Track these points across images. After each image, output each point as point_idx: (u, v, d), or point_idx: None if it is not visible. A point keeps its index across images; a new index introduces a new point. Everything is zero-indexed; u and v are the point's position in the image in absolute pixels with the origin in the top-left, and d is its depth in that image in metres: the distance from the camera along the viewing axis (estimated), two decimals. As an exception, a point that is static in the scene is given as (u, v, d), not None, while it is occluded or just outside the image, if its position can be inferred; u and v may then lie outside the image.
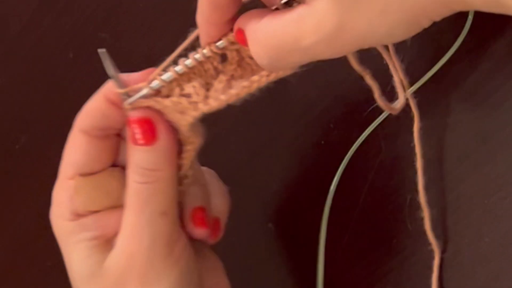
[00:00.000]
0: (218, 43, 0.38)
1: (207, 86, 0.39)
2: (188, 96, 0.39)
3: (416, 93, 0.42)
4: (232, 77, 0.39)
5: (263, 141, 0.49)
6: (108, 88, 0.40)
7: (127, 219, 0.39)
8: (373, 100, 0.40)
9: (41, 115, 0.58)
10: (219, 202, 0.44)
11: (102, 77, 0.56)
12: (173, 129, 0.40)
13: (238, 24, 0.36)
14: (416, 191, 0.43)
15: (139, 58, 0.53)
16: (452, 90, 0.41)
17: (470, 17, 0.40)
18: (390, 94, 0.43)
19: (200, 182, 0.43)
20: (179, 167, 0.41)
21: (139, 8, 0.53)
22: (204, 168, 0.44)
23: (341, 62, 0.39)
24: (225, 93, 0.38)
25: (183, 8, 0.51)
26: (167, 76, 0.39)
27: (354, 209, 0.45)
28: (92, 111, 0.40)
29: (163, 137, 0.39)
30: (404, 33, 0.33)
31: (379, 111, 0.43)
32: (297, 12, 0.33)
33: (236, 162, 0.50)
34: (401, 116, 0.43)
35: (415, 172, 0.43)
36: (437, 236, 0.42)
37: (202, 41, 0.38)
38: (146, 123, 0.39)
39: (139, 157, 0.39)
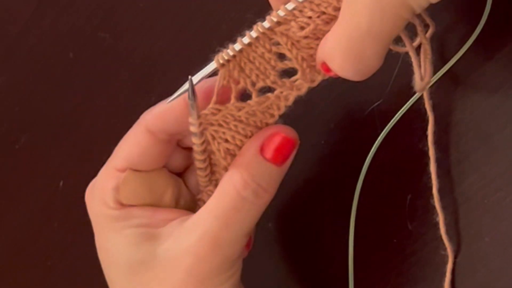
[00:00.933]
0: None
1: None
2: (265, 90, 0.38)
3: (414, 92, 0.42)
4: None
5: (263, 141, 0.49)
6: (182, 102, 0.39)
7: (206, 224, 0.38)
8: (373, 100, 0.40)
9: (41, 115, 0.58)
10: None
11: (102, 77, 0.56)
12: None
13: (320, 58, 0.36)
14: (416, 191, 0.43)
15: (139, 58, 0.53)
16: (452, 90, 0.41)
17: (478, 30, 0.40)
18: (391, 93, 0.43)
19: None
20: None
21: (139, 8, 0.53)
22: None
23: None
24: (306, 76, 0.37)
25: (183, 8, 0.51)
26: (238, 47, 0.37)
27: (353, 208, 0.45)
28: (167, 115, 0.39)
29: (290, 160, 0.39)
30: None
31: (380, 111, 0.43)
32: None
33: (236, 162, 0.50)
34: (402, 116, 0.43)
35: (415, 172, 0.43)
36: (437, 236, 0.42)
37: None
38: (289, 143, 0.38)
39: (262, 173, 0.38)
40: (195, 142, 0.39)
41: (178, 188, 0.42)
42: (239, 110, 0.38)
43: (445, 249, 0.41)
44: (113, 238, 0.40)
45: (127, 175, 0.40)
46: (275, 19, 0.36)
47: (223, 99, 0.38)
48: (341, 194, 0.46)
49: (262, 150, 0.38)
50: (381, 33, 0.32)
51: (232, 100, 0.38)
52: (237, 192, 0.38)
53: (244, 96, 0.39)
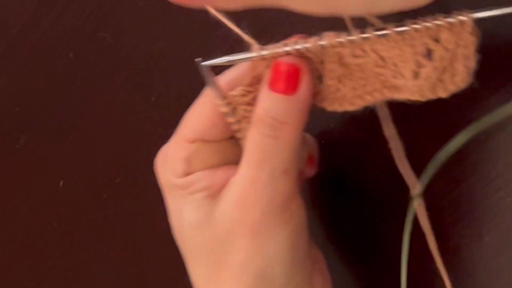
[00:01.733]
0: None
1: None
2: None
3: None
4: (338, 78, 0.38)
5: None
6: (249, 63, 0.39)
7: (244, 171, 0.38)
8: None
9: (41, 115, 0.58)
10: (310, 140, 0.44)
11: (102, 77, 0.56)
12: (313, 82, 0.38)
13: None
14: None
15: (139, 58, 0.53)
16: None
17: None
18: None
19: None
20: None
21: (139, 8, 0.53)
22: None
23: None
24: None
25: (183, 8, 0.51)
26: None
27: (354, 209, 0.45)
28: (233, 86, 0.39)
29: (304, 89, 0.38)
30: None
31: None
32: None
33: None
34: (401, 116, 0.43)
35: (415, 172, 0.43)
36: (437, 236, 0.42)
37: None
38: (293, 70, 0.38)
39: (273, 105, 0.38)
40: (229, 120, 0.39)
41: None
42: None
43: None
44: (181, 203, 0.40)
45: (198, 146, 0.40)
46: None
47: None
48: (341, 194, 0.46)
49: (270, 84, 0.38)
50: None
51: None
52: (257, 131, 0.38)
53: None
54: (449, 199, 0.42)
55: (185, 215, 0.40)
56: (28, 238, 0.59)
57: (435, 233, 0.42)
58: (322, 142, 0.46)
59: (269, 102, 0.38)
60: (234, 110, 0.39)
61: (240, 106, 0.39)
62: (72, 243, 0.57)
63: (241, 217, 0.38)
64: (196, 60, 0.38)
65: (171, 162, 0.41)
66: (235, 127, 0.40)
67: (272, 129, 0.38)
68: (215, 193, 0.39)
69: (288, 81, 0.38)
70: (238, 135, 0.40)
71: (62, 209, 0.57)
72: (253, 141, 0.38)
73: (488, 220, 0.41)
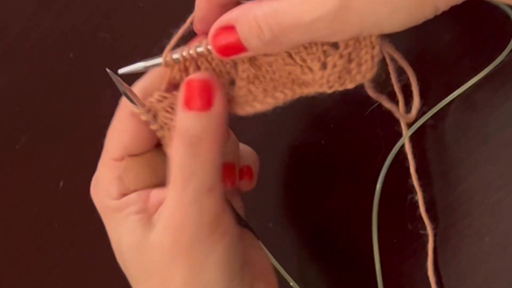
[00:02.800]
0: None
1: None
2: None
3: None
4: (249, 79, 0.38)
5: (263, 141, 0.49)
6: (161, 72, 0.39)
7: (171, 194, 0.38)
8: (373, 100, 0.40)
9: (41, 115, 0.58)
10: (249, 152, 0.44)
11: (102, 77, 0.56)
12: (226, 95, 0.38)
13: (228, 15, 0.36)
14: (416, 191, 0.43)
15: (139, 58, 0.53)
16: (452, 90, 0.41)
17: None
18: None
19: (231, 138, 0.42)
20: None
21: (139, 8, 0.53)
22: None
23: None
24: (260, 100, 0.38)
25: (183, 8, 0.51)
26: (179, 54, 0.38)
27: (354, 209, 0.45)
28: (149, 91, 0.40)
29: (218, 103, 0.38)
30: (405, 18, 0.33)
31: (379, 111, 0.43)
32: None
33: (236, 162, 0.50)
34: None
35: (415, 172, 0.43)
36: (437, 236, 0.42)
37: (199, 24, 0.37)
38: (205, 86, 0.38)
39: (189, 124, 0.37)
40: (152, 128, 0.39)
41: None
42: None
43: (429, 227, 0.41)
44: (118, 228, 0.40)
45: (128, 162, 0.40)
46: None
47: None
48: (341, 194, 0.46)
49: (185, 103, 0.38)
50: (315, 28, 0.34)
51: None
52: (177, 151, 0.38)
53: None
54: (449, 199, 0.42)
55: (122, 239, 0.40)
56: (28, 238, 0.59)
57: (435, 233, 0.42)
58: (322, 142, 0.46)
59: (185, 121, 0.38)
60: (155, 117, 0.39)
61: (160, 112, 0.39)
62: (72, 243, 0.57)
63: (173, 241, 0.38)
64: (108, 69, 0.38)
65: (103, 185, 0.41)
66: (159, 134, 0.39)
67: (191, 147, 0.37)
68: (149, 216, 0.39)
69: (202, 98, 0.38)
70: (163, 141, 0.40)
71: (62, 209, 0.57)
72: (175, 162, 0.38)
73: (488, 220, 0.41)
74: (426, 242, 0.42)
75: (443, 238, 0.42)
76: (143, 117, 0.39)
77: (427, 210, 0.42)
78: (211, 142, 0.38)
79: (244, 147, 0.44)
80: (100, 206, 0.41)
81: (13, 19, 0.59)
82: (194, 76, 0.38)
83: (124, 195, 0.40)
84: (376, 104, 0.43)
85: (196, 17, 0.37)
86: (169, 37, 0.51)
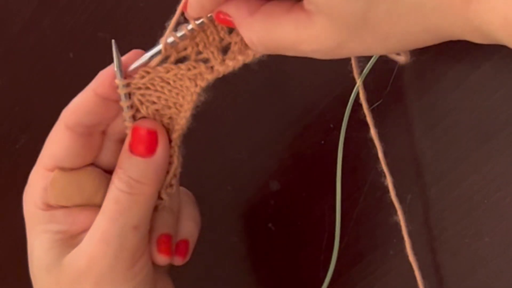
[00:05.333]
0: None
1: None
2: (204, 61, 0.39)
3: (414, 93, 0.42)
4: (243, 43, 0.38)
5: (263, 141, 0.49)
6: (99, 83, 0.40)
7: (98, 223, 0.39)
8: (372, 100, 0.40)
9: (41, 115, 0.58)
10: (190, 225, 0.44)
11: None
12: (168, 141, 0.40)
13: (225, 9, 0.36)
14: (416, 191, 0.43)
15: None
16: (452, 90, 0.41)
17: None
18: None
19: (173, 207, 0.43)
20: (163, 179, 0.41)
21: (139, 8, 0.53)
22: (182, 189, 0.44)
23: (342, 62, 0.39)
24: (242, 53, 0.38)
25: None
26: (180, 33, 0.39)
27: (354, 209, 0.45)
28: (79, 108, 0.40)
29: (161, 152, 0.40)
30: (400, 50, 0.34)
31: (379, 111, 0.43)
32: (296, 19, 0.34)
33: (236, 162, 0.50)
34: (401, 115, 0.43)
35: (415, 172, 0.43)
36: (437, 236, 0.42)
37: (194, 11, 0.38)
38: (150, 134, 0.40)
39: (131, 167, 0.40)
40: (123, 105, 0.40)
41: None
42: (168, 71, 0.39)
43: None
44: (34, 239, 0.41)
45: (55, 175, 0.40)
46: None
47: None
48: (341, 194, 0.46)
49: (130, 145, 0.40)
50: (310, 54, 0.35)
51: (167, 64, 0.39)
52: (115, 187, 0.39)
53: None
54: (449, 199, 0.42)
55: (36, 254, 0.41)
56: (28, 238, 0.59)
57: (435, 233, 0.42)
58: (322, 142, 0.46)
59: (127, 163, 0.40)
60: (129, 95, 0.40)
61: (137, 92, 0.40)
62: (72, 243, 0.57)
63: (88, 268, 0.39)
64: (113, 40, 0.39)
65: (31, 191, 0.41)
66: (126, 113, 0.40)
67: (128, 186, 0.39)
68: (70, 238, 0.40)
69: (146, 145, 0.40)
70: (126, 124, 0.41)
71: (62, 209, 0.57)
72: (110, 195, 0.39)
73: (488, 220, 0.41)
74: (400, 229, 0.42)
75: (443, 238, 0.42)
76: (120, 90, 0.39)
77: (427, 209, 0.42)
78: (147, 185, 0.40)
79: (188, 213, 0.44)
80: (26, 212, 0.42)
81: (13, 19, 0.59)
82: (141, 123, 0.40)
83: (49, 206, 0.41)
84: (376, 104, 0.43)
85: (192, 3, 0.38)
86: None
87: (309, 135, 0.47)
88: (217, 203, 0.51)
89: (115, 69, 0.40)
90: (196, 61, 0.39)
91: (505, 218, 0.40)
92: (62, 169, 0.40)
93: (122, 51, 0.54)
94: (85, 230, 0.40)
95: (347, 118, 0.43)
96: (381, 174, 0.43)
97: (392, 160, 0.43)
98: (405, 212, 0.42)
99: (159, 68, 0.39)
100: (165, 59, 0.39)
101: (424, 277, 0.42)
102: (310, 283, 0.47)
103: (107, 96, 0.40)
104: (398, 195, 0.42)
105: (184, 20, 0.39)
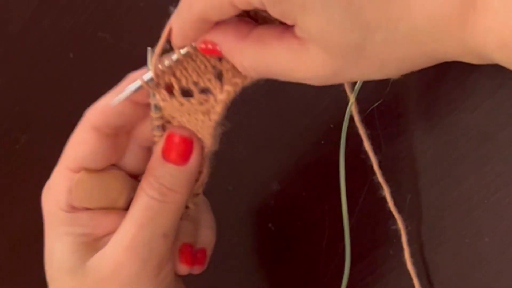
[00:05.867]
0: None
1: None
2: (207, 91, 0.38)
3: (415, 92, 0.42)
4: (235, 68, 0.38)
5: (263, 141, 0.49)
6: (130, 85, 0.39)
7: (127, 229, 0.39)
8: (373, 100, 0.40)
9: (41, 115, 0.58)
10: (207, 234, 0.44)
11: (101, 77, 0.56)
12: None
13: (211, 37, 0.36)
14: (416, 191, 0.43)
15: (139, 58, 0.53)
16: (452, 90, 0.41)
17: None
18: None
19: (194, 216, 0.43)
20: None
21: (139, 8, 0.53)
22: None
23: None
24: (237, 76, 0.37)
25: (183, 8, 0.51)
26: (166, 62, 0.38)
27: (354, 209, 0.45)
28: (108, 109, 0.40)
29: (194, 160, 0.39)
30: (398, 75, 0.34)
31: (379, 111, 0.43)
32: (289, 47, 0.33)
33: (236, 161, 0.50)
34: (401, 115, 0.43)
35: (415, 172, 0.43)
36: (437, 236, 0.42)
37: (177, 40, 0.37)
38: (186, 143, 0.39)
39: (164, 174, 0.39)
40: (153, 115, 0.39)
41: (136, 191, 0.42)
42: (182, 105, 0.39)
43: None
44: (55, 241, 0.40)
45: (80, 177, 0.40)
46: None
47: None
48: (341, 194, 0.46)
49: (163, 152, 0.39)
50: (304, 81, 0.35)
51: (177, 97, 0.39)
52: (145, 193, 0.39)
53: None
54: (449, 199, 0.42)
55: (57, 256, 0.40)
56: (28, 238, 0.59)
57: (435, 233, 0.42)
58: (322, 142, 0.46)
59: (160, 169, 0.39)
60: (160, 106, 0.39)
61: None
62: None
63: (114, 273, 0.39)
64: (149, 48, 0.39)
65: (53, 192, 0.41)
66: (155, 123, 0.40)
67: (159, 194, 0.39)
68: (93, 241, 0.40)
69: (181, 153, 0.39)
70: (154, 133, 0.40)
71: (62, 209, 0.57)
72: (140, 201, 0.39)
73: (488, 220, 0.41)
74: (400, 236, 0.42)
75: (443, 238, 0.42)
76: (152, 99, 0.39)
77: (427, 210, 0.42)
78: (179, 194, 0.39)
79: (206, 221, 0.44)
80: (47, 213, 0.41)
81: (13, 19, 0.59)
82: (177, 130, 0.39)
83: (73, 208, 0.40)
84: (376, 104, 0.43)
85: (175, 32, 0.37)
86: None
87: (309, 135, 0.47)
88: (217, 203, 0.51)
89: (147, 77, 0.39)
90: (201, 92, 0.38)
91: (505, 218, 0.40)
92: (88, 170, 0.40)
93: (122, 51, 0.54)
94: (108, 234, 0.40)
95: (347, 121, 0.43)
96: (381, 174, 0.43)
97: (392, 160, 0.43)
98: (405, 212, 0.42)
99: (174, 100, 0.39)
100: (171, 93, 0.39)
101: (424, 277, 0.42)
102: (310, 283, 0.47)
103: (137, 100, 0.39)
104: (398, 195, 0.42)
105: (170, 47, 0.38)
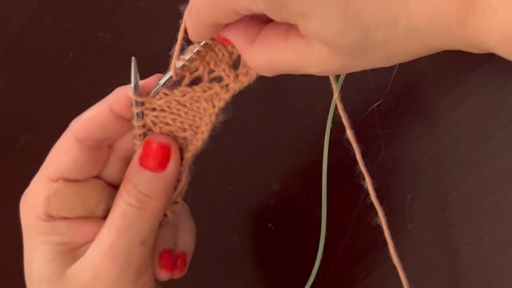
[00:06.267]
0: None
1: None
2: (217, 80, 0.39)
3: (415, 92, 0.42)
4: None
5: (263, 141, 0.49)
6: (116, 100, 0.39)
7: (105, 236, 0.39)
8: (373, 100, 0.40)
9: (41, 115, 0.58)
10: (187, 238, 0.44)
11: (101, 77, 0.56)
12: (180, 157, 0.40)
13: (225, 35, 0.36)
14: (416, 191, 0.43)
15: (139, 58, 0.53)
16: (452, 90, 0.41)
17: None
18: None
19: (173, 222, 0.43)
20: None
21: (139, 8, 0.53)
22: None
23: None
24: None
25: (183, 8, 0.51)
26: (188, 56, 0.38)
27: (354, 209, 0.45)
28: (93, 122, 0.40)
29: (172, 167, 0.40)
30: (404, 61, 0.34)
31: (379, 111, 0.43)
32: (295, 46, 0.34)
33: (236, 161, 0.50)
34: (401, 115, 0.43)
35: (415, 172, 0.43)
36: (437, 236, 0.42)
37: (193, 38, 0.38)
38: (163, 149, 0.39)
39: (141, 180, 0.39)
40: (135, 123, 0.40)
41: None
42: (184, 95, 0.39)
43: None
44: (34, 250, 0.40)
45: (59, 186, 0.40)
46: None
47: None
48: (341, 194, 0.46)
49: (140, 159, 0.39)
50: (315, 74, 0.35)
51: (182, 87, 0.39)
52: (123, 200, 0.39)
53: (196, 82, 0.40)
54: (449, 199, 0.42)
55: (36, 265, 0.40)
56: (28, 238, 0.59)
57: (435, 233, 0.42)
58: (322, 142, 0.46)
59: (137, 176, 0.39)
60: (142, 114, 0.39)
61: (150, 113, 0.39)
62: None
63: (93, 281, 0.39)
64: (133, 58, 0.39)
65: (31, 201, 0.41)
66: (137, 131, 0.40)
67: (137, 201, 0.39)
68: (72, 250, 0.40)
69: (158, 160, 0.39)
70: (136, 142, 0.40)
71: (62, 209, 0.57)
72: (118, 208, 0.39)
73: (488, 220, 0.41)
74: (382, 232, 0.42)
75: (443, 238, 0.42)
76: (134, 108, 0.39)
77: (427, 210, 0.42)
78: (157, 200, 0.39)
79: (185, 226, 0.44)
80: (25, 222, 0.41)
81: (13, 19, 0.59)
82: (155, 137, 0.40)
83: (50, 217, 0.40)
84: (376, 104, 0.43)
85: (190, 33, 0.38)
86: (168, 38, 0.51)
87: (309, 135, 0.47)
88: (217, 203, 0.51)
89: (131, 86, 0.39)
90: (210, 81, 0.39)
91: (505, 218, 0.40)
92: (66, 180, 0.40)
93: (122, 51, 0.54)
94: (87, 243, 0.40)
95: (332, 113, 0.43)
96: (382, 176, 0.43)
97: (393, 160, 0.43)
98: (405, 212, 0.42)
99: (176, 91, 0.39)
100: (178, 82, 0.39)
101: (424, 277, 0.42)
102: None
103: (123, 114, 0.39)
104: (398, 195, 0.42)
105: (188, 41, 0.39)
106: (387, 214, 0.44)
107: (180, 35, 0.38)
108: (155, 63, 0.53)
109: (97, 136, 0.40)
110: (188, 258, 0.43)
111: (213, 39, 0.38)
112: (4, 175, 0.61)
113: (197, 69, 0.39)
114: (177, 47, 0.38)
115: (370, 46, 0.32)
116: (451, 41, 0.31)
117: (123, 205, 0.39)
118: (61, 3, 0.56)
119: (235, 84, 0.38)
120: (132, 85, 0.39)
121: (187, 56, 0.38)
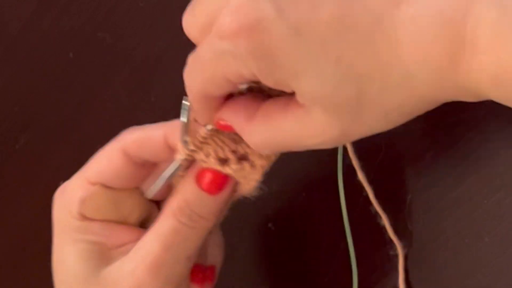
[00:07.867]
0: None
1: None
2: (245, 158, 0.39)
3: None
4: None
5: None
6: (172, 133, 0.39)
7: (151, 249, 0.39)
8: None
9: (41, 115, 0.58)
10: (216, 252, 0.44)
11: (101, 77, 0.56)
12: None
13: (222, 117, 0.36)
14: (416, 191, 0.43)
15: (139, 58, 0.53)
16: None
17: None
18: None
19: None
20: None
21: (139, 8, 0.53)
22: None
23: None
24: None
25: (183, 8, 0.51)
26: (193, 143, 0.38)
27: (354, 209, 0.45)
28: (145, 143, 0.40)
29: (226, 191, 0.40)
30: (404, 121, 0.34)
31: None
32: (294, 117, 0.34)
33: (236, 162, 0.50)
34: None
35: (415, 172, 0.43)
36: (437, 236, 0.42)
37: (199, 120, 0.38)
38: (221, 175, 0.39)
39: (197, 201, 0.39)
40: (197, 157, 0.39)
41: (148, 212, 0.42)
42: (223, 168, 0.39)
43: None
44: (67, 247, 0.40)
45: (95, 191, 0.40)
46: None
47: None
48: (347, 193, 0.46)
49: (197, 179, 0.39)
50: (316, 147, 0.35)
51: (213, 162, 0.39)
52: (175, 217, 0.39)
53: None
54: (449, 199, 0.42)
55: (69, 263, 0.40)
56: (28, 238, 0.59)
57: (435, 233, 0.42)
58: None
59: (192, 196, 0.39)
60: (199, 149, 0.39)
61: (206, 146, 0.39)
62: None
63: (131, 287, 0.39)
64: (184, 101, 0.38)
65: (67, 198, 0.41)
66: (201, 158, 0.39)
67: (190, 220, 0.39)
68: (105, 251, 0.40)
69: (215, 182, 0.39)
70: (178, 173, 0.40)
71: (62, 209, 0.57)
72: (168, 222, 0.39)
73: (488, 220, 0.41)
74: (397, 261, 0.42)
75: (443, 238, 0.42)
76: (191, 146, 0.39)
77: (427, 210, 0.42)
78: (209, 221, 0.39)
79: (214, 239, 0.44)
80: (57, 217, 0.41)
81: (13, 19, 0.59)
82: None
83: (84, 217, 0.40)
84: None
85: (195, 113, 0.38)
86: (168, 38, 0.52)
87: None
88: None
89: (180, 134, 0.39)
90: (240, 160, 0.39)
91: (505, 218, 0.40)
92: (104, 186, 0.40)
93: (122, 51, 0.54)
94: (120, 246, 0.40)
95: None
96: (382, 176, 0.43)
97: (393, 160, 0.43)
98: (405, 213, 0.43)
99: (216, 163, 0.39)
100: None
101: (423, 277, 0.42)
102: (310, 283, 0.47)
103: (174, 147, 0.39)
104: (398, 195, 0.43)
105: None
106: (387, 214, 0.44)
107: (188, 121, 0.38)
108: (155, 63, 0.53)
109: (146, 157, 0.40)
110: (217, 271, 0.44)
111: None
112: (4, 175, 0.61)
113: (217, 151, 0.39)
114: (187, 131, 0.38)
115: (367, 100, 0.32)
116: (446, 89, 0.31)
117: (174, 221, 0.39)
118: (61, 3, 0.56)
119: (260, 160, 0.39)
120: (181, 137, 0.38)
121: (200, 137, 0.38)
